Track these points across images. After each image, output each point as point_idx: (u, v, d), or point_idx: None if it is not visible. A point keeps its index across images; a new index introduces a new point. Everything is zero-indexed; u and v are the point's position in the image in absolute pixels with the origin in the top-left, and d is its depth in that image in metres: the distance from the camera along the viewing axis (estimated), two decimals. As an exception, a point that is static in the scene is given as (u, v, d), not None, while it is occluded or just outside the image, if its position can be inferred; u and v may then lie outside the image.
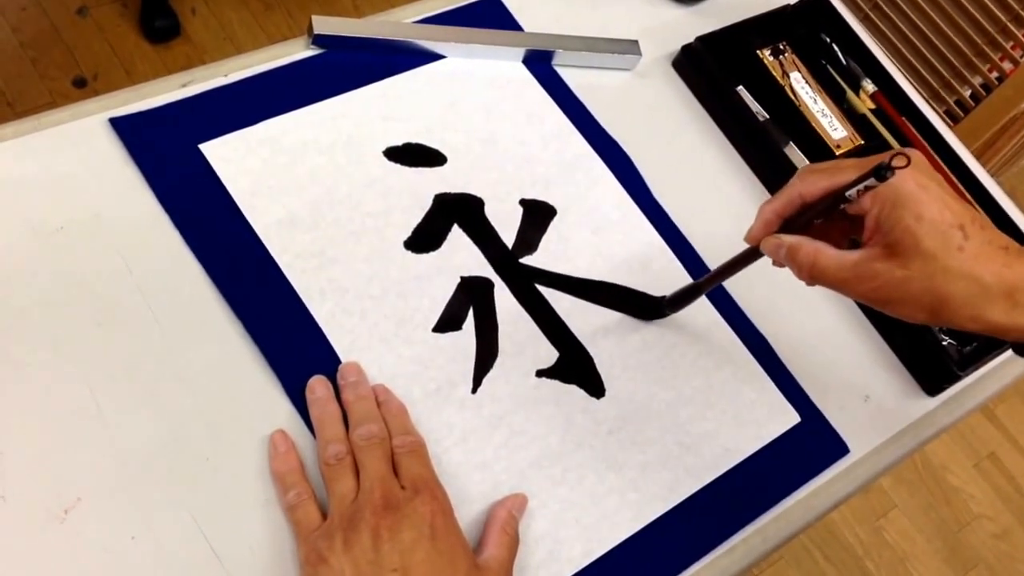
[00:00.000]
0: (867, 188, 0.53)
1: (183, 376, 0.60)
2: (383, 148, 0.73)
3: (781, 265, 0.58)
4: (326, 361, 0.63)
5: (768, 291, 0.77)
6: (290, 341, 0.63)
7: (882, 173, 0.51)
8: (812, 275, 0.57)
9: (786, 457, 0.70)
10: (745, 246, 0.62)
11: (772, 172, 0.82)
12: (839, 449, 0.72)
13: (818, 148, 0.84)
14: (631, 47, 0.84)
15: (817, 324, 0.78)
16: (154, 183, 0.65)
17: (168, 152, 0.67)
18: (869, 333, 0.78)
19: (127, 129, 0.67)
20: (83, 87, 1.74)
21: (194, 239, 0.64)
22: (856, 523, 1.75)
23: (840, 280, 0.56)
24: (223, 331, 0.62)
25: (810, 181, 0.57)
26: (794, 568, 1.67)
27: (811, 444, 0.71)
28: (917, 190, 0.53)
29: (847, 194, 0.54)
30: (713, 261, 0.77)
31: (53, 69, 1.74)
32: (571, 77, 0.82)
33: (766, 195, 0.82)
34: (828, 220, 0.57)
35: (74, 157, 0.65)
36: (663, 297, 0.72)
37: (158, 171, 0.66)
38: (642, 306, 0.73)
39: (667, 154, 0.82)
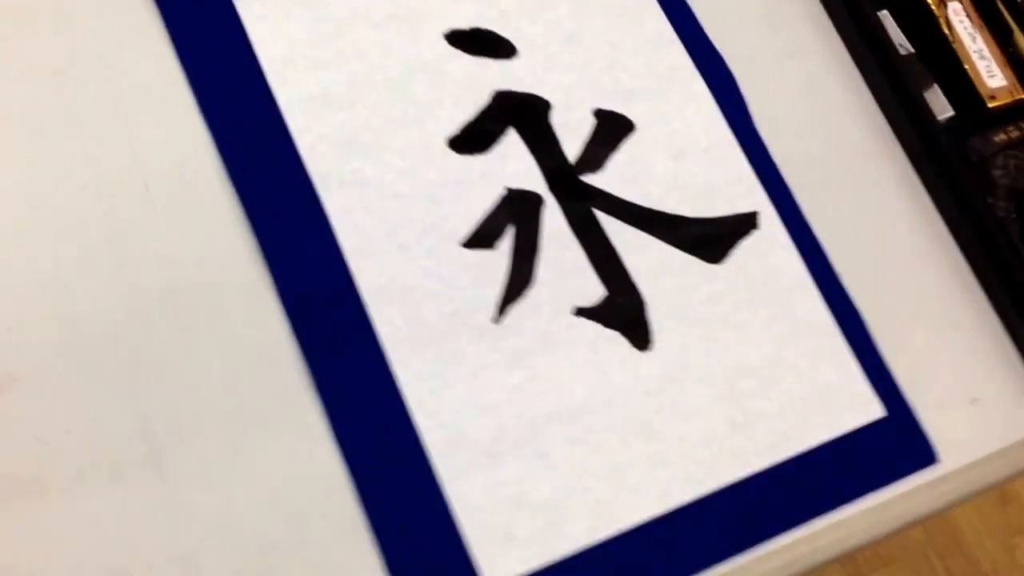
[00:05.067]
0: None
1: (166, 257, 0.50)
2: (446, 30, 0.59)
3: None
4: (330, 261, 0.51)
5: (871, 248, 0.61)
6: (293, 234, 0.51)
7: None
8: None
9: (859, 455, 0.55)
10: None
11: (906, 115, 0.64)
12: (926, 456, 0.56)
13: (968, 95, 0.66)
14: None
15: (926, 299, 0.61)
16: (175, 34, 0.54)
17: (200, 7, 0.56)
18: (990, 320, 0.62)
19: None
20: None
21: (210, 105, 0.53)
22: (987, 536, 1.49)
23: None
24: (220, 215, 0.51)
25: None
26: (909, 573, 1.46)
27: (893, 445, 0.56)
28: None
29: None
30: (812, 211, 0.61)
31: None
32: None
33: (894, 144, 0.65)
34: None
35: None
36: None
37: (181, 20, 0.55)
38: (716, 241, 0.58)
39: (779, 79, 0.65)
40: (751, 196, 0.60)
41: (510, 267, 0.54)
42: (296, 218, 0.52)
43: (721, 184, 0.60)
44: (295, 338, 0.49)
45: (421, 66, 0.58)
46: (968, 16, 0.68)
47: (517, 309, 0.53)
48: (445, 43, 0.59)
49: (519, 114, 0.58)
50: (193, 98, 0.53)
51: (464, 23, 0.60)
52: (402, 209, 0.54)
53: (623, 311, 0.55)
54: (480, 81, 0.58)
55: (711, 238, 0.58)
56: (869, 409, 0.56)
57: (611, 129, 0.60)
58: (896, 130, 0.65)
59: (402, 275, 0.52)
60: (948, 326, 0.60)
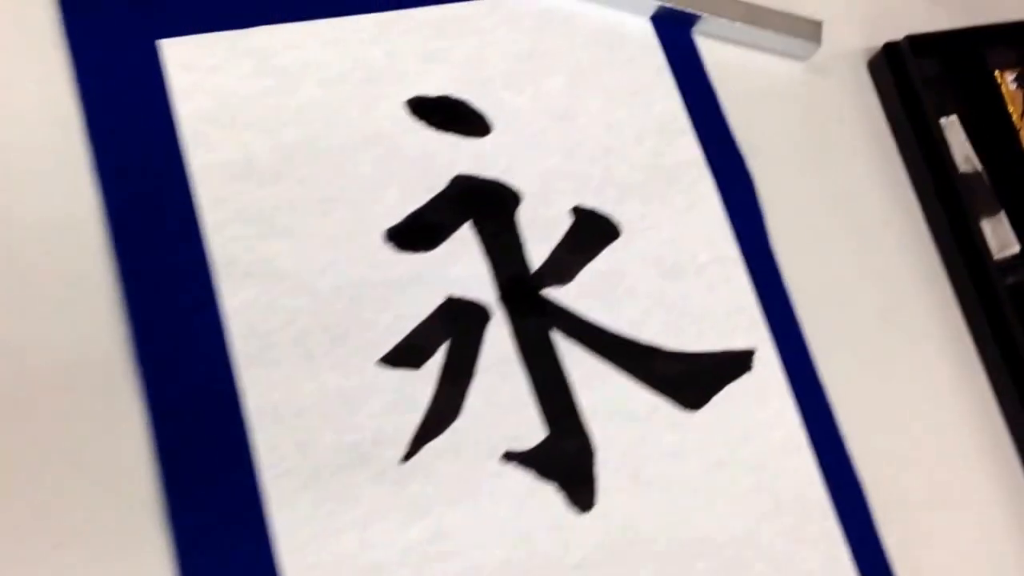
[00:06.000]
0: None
1: (11, 341, 0.42)
2: (409, 96, 0.50)
3: None
4: (215, 367, 0.43)
5: (892, 414, 0.50)
6: (176, 330, 0.43)
7: None
8: None
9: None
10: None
11: (956, 246, 0.53)
12: None
13: (1041, 234, 0.55)
14: (810, 30, 0.56)
15: (956, 489, 0.50)
16: (81, 71, 0.46)
17: (114, 40, 0.47)
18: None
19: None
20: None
21: (106, 162, 0.45)
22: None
23: None
24: (91, 296, 0.43)
25: None
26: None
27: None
28: None
29: None
30: (824, 357, 0.50)
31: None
32: (713, 53, 0.55)
33: (942, 282, 0.54)
34: None
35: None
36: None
37: (92, 59, 0.46)
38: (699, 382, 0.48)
39: (810, 185, 0.54)
40: (750, 330, 0.50)
41: (434, 393, 0.45)
42: (183, 310, 0.43)
43: (716, 311, 0.49)
44: (157, 458, 0.42)
45: (372, 137, 0.48)
46: (1057, 134, 0.56)
47: (434, 446, 0.44)
48: (406, 112, 0.50)
49: (480, 205, 0.49)
50: (89, 151, 0.45)
51: (433, 89, 0.51)
52: (316, 311, 0.45)
53: (565, 460, 0.45)
54: (440, 162, 0.49)
55: (691, 378, 0.48)
56: (854, 617, 0.46)
57: (590, 232, 0.50)
58: (947, 264, 0.54)
59: (301, 392, 0.43)
60: (979, 526, 0.49)
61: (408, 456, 0.44)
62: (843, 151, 0.55)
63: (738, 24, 0.55)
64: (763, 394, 0.49)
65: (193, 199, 0.45)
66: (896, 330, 0.52)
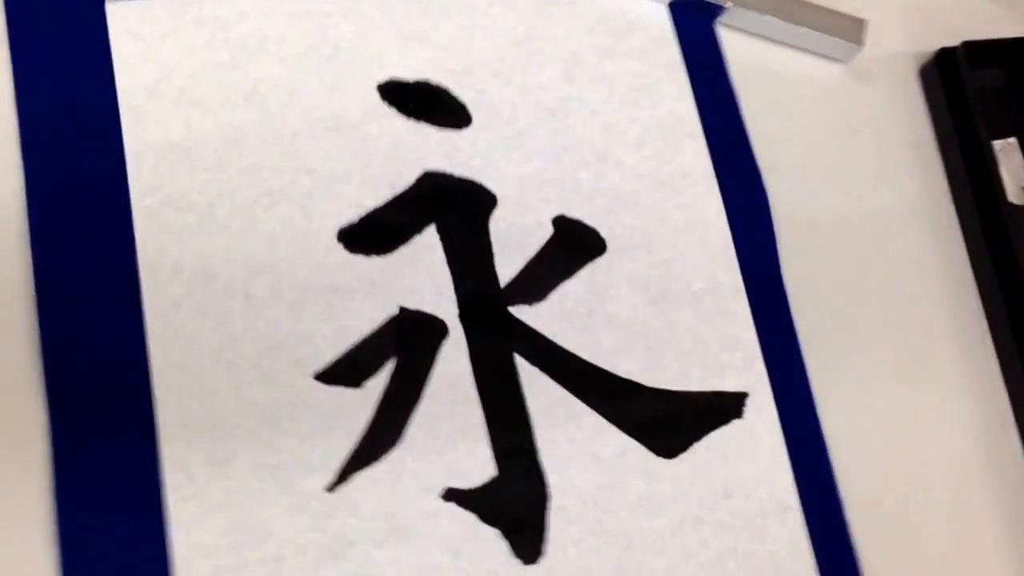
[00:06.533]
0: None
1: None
2: (383, 79, 0.45)
3: None
4: (124, 376, 0.38)
5: (910, 487, 0.43)
6: (87, 330, 0.39)
7: None
8: None
9: None
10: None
11: (999, 289, 0.46)
12: None
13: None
14: (852, 29, 0.49)
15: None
16: (14, 34, 0.42)
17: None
18: None
19: None
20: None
21: (31, 138, 0.40)
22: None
23: None
24: (6, 288, 0.39)
25: None
26: None
27: None
28: None
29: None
30: (829, 406, 0.43)
31: None
32: (737, 50, 0.48)
33: (982, 331, 0.46)
34: None
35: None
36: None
37: (27, 22, 0.42)
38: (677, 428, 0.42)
39: (834, 206, 0.47)
40: (745, 371, 0.43)
41: (373, 417, 0.40)
42: (99, 307, 0.39)
43: (707, 347, 0.43)
44: (53, 483, 0.37)
45: (334, 124, 0.43)
46: None
47: (366, 476, 0.39)
48: (377, 96, 0.44)
49: (448, 207, 0.43)
50: (16, 125, 0.41)
51: (410, 73, 0.45)
52: (249, 317, 0.40)
53: (514, 503, 0.40)
54: (409, 154, 0.44)
55: (670, 421, 0.42)
56: None
57: (571, 246, 0.44)
58: (987, 311, 0.46)
59: (219, 407, 0.39)
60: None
61: (335, 485, 0.39)
62: (878, 172, 0.48)
63: (768, 18, 0.48)
64: (753, 445, 0.42)
65: (126, 181, 0.41)
66: (919, 386, 0.45)
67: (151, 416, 0.38)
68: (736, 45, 0.49)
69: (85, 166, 0.40)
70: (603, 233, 0.44)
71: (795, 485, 0.42)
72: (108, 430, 0.38)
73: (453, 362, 0.41)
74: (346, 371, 0.40)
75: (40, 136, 0.40)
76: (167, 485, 0.38)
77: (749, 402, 0.43)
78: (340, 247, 0.42)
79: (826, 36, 0.48)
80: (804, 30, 0.48)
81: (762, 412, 0.43)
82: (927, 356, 0.45)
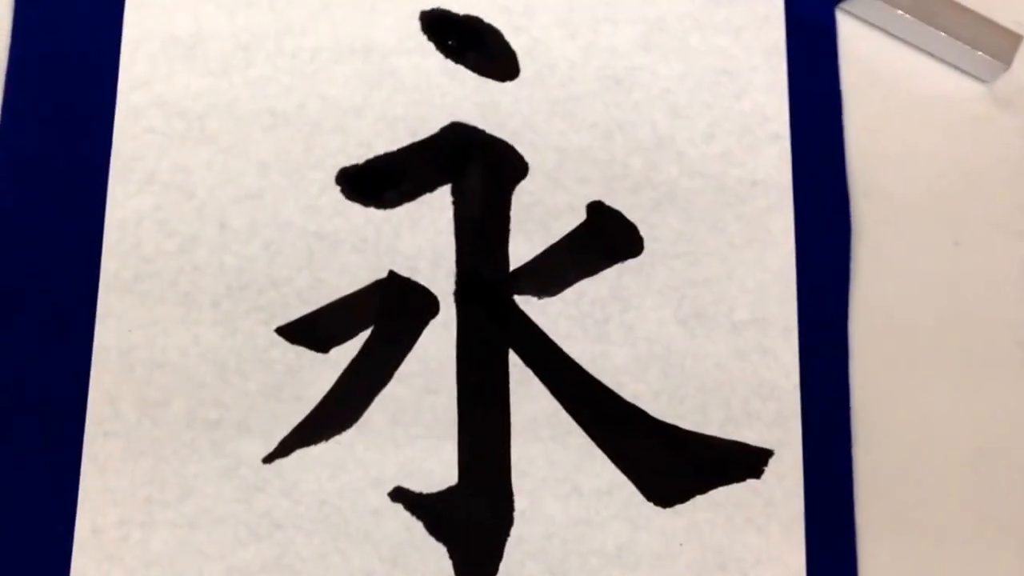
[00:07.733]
0: None
1: None
2: (428, 5, 0.38)
3: None
4: (76, 286, 0.34)
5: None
6: (43, 231, 0.34)
7: None
8: None
9: None
10: None
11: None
12: None
13: None
14: (1002, 44, 0.40)
15: None
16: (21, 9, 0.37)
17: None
18: None
19: None
20: None
21: (16, 91, 0.35)
22: None
23: None
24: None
25: None
26: None
27: None
28: None
29: None
30: (871, 510, 0.36)
31: None
32: (855, 43, 0.40)
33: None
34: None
35: None
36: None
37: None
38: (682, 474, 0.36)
39: (935, 261, 0.39)
40: (776, 424, 0.36)
41: (332, 388, 0.35)
42: (57, 205, 0.34)
43: (737, 387, 0.36)
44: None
45: (362, 46, 0.37)
46: None
47: (308, 454, 0.34)
48: (417, 25, 0.38)
49: (470, 167, 0.37)
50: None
51: (459, 5, 0.39)
52: (217, 248, 0.35)
53: (470, 520, 0.34)
54: (439, 98, 0.37)
55: (673, 463, 0.36)
56: None
57: (602, 239, 0.37)
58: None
59: (164, 341, 0.34)
60: None
61: (272, 457, 0.34)
62: (1005, 224, 0.40)
63: (902, 14, 0.40)
64: (765, 514, 0.36)
65: (117, 69, 0.36)
66: (990, 488, 0.37)
67: (89, 334, 0.34)
68: (856, 39, 0.41)
69: (75, 45, 0.36)
70: (642, 231, 0.37)
71: (804, 569, 0.36)
72: (40, 340, 0.34)
73: (436, 345, 0.36)
74: (313, 331, 0.35)
75: (21, 90, 0.36)
76: (89, 416, 0.34)
77: (772, 462, 0.36)
78: (336, 190, 0.36)
79: (968, 48, 0.40)
80: (943, 36, 0.40)
81: (786, 478, 0.36)
82: (1008, 447, 0.38)
